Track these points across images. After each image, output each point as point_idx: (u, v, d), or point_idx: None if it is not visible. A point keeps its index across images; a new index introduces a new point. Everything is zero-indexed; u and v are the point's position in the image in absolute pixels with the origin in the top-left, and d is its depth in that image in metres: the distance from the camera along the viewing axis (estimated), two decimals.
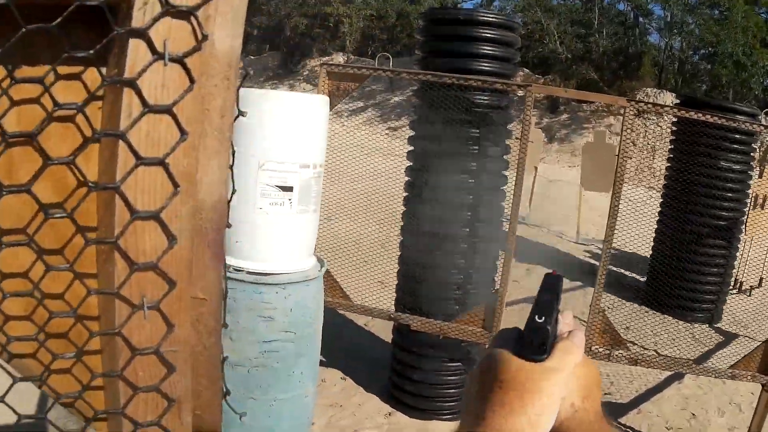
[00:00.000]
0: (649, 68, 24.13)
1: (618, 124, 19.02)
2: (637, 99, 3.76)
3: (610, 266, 8.64)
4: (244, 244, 3.46)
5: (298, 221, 3.47)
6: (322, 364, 4.88)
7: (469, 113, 4.00)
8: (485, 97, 4.03)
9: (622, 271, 8.61)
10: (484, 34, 4.03)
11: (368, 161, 5.46)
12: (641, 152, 17.86)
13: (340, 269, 4.95)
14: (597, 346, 3.94)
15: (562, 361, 0.71)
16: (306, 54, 30.52)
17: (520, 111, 4.01)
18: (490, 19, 4.09)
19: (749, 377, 3.92)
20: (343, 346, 5.33)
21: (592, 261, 8.89)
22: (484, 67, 4.02)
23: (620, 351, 3.96)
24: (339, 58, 28.54)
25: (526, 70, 25.68)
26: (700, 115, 3.95)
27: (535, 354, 0.71)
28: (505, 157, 4.32)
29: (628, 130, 3.70)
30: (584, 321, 4.21)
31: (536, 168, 11.23)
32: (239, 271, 3.39)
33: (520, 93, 4.05)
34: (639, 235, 7.25)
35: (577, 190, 10.60)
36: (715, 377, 4.21)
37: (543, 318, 0.71)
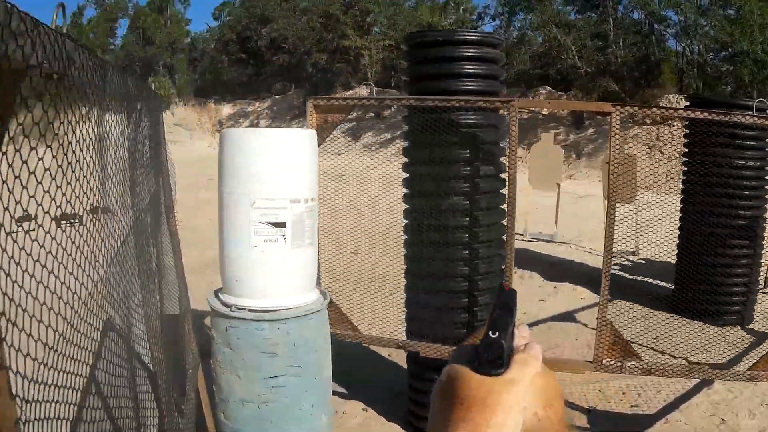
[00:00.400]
0: (669, 75, 23.88)
1: (643, 132, 18.82)
2: (623, 104, 3.72)
3: (641, 277, 8.59)
4: (242, 282, 3.49)
5: (294, 256, 3.48)
6: (343, 396, 4.88)
7: (457, 134, 3.99)
8: (471, 117, 4.01)
9: (650, 280, 8.47)
10: (465, 54, 4.01)
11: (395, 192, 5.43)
12: (669, 160, 17.62)
13: (366, 301, 4.95)
14: (608, 359, 3.86)
15: (520, 372, 0.73)
16: (330, 89, 30.83)
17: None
18: (471, 37, 4.09)
19: None
20: (365, 377, 5.31)
21: (621, 273, 8.76)
22: (468, 87, 4.00)
23: (632, 362, 3.87)
24: (362, 90, 28.75)
25: (549, 88, 25.63)
26: (690, 112, 3.89)
27: (492, 368, 0.72)
28: (501, 175, 4.29)
29: (617, 137, 3.66)
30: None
31: (558, 185, 11.19)
32: (241, 309, 3.42)
33: (503, 109, 4.03)
34: (668, 242, 7.14)
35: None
36: (734, 380, 4.10)
37: (497, 333, 0.73)
